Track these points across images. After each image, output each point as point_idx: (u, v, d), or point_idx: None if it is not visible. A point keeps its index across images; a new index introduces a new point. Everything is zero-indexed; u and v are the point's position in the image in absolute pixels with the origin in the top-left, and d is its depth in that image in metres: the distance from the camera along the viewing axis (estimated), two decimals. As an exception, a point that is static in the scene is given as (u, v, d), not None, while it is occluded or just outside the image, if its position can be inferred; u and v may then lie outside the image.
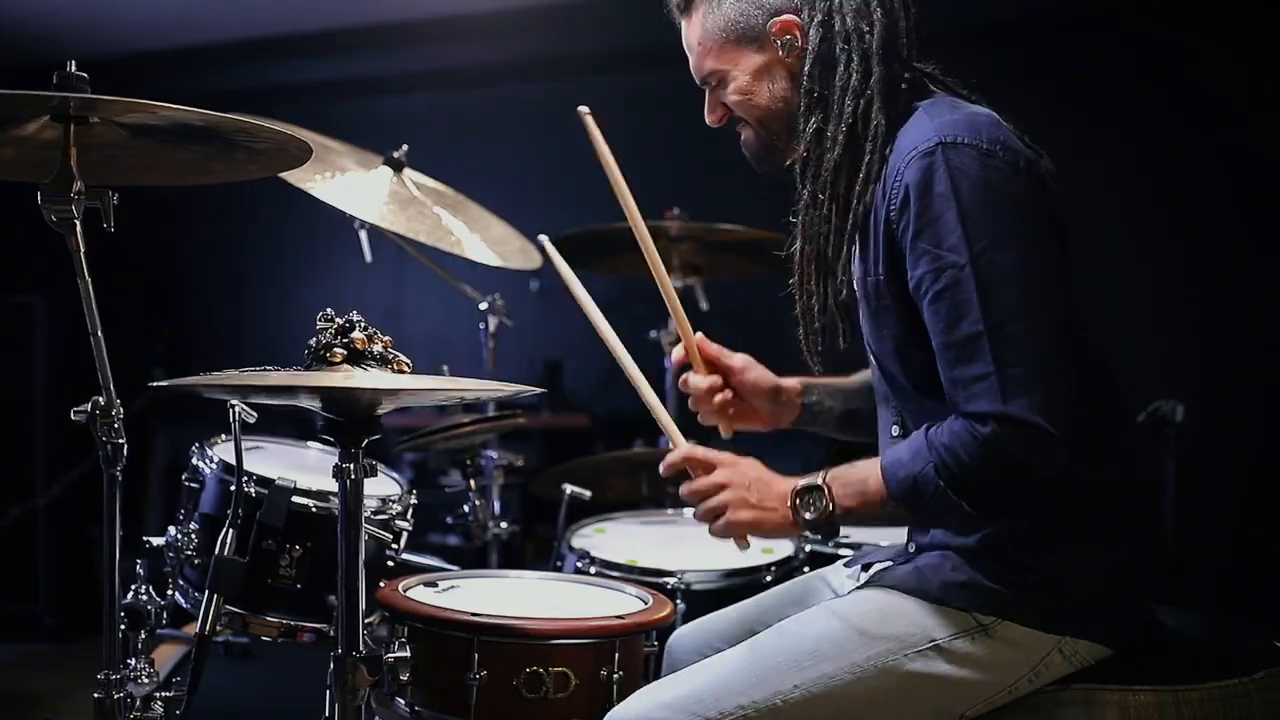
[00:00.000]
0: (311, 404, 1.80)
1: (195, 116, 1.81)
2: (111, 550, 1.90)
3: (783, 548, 2.74)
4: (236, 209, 5.67)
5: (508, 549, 3.22)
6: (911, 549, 1.90)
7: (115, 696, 1.91)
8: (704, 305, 3.64)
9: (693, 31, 1.99)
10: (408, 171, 3.08)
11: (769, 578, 2.58)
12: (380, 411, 1.79)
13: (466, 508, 2.95)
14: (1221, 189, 4.30)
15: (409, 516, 2.43)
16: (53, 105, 1.79)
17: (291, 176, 2.59)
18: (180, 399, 1.83)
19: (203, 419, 2.55)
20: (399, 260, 3.82)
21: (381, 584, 2.22)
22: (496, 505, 3.13)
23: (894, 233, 1.75)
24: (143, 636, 2.13)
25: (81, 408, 1.86)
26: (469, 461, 2.95)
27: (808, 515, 1.83)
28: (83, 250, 1.84)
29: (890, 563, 1.91)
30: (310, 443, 2.70)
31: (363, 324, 1.80)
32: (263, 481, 2.26)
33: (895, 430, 1.90)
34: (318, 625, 2.29)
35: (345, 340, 1.77)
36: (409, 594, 2.09)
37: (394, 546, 2.38)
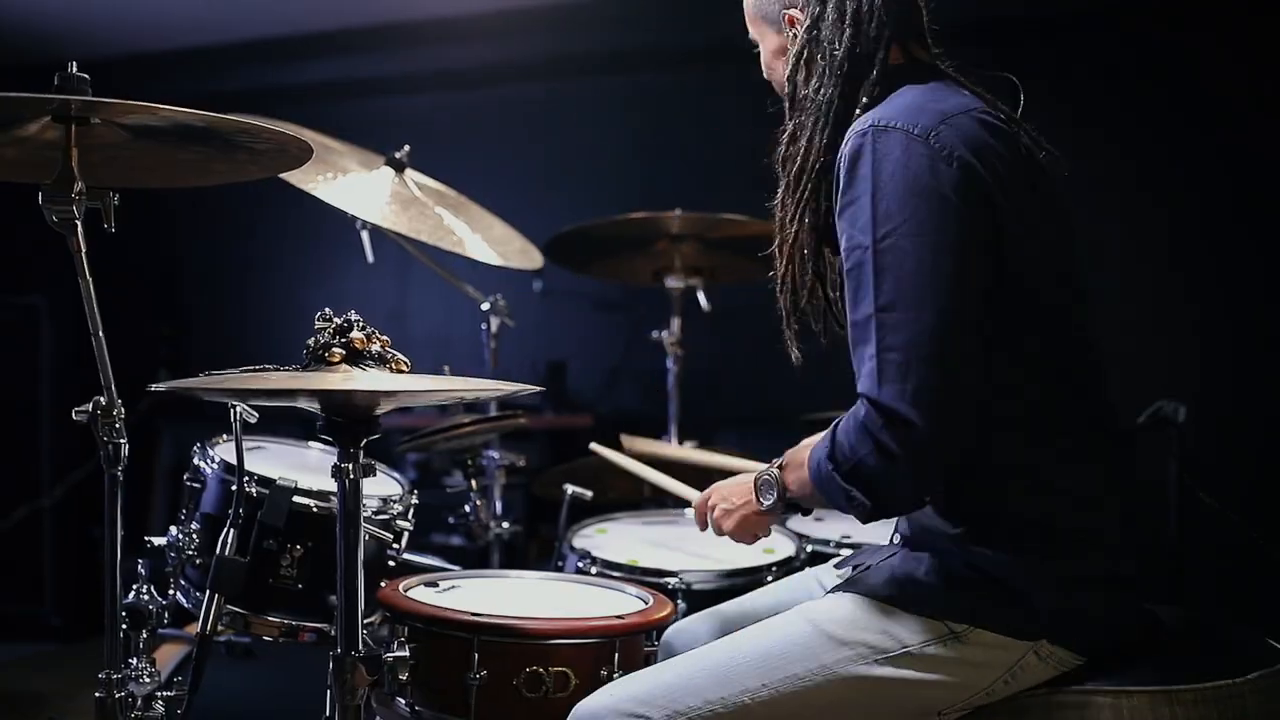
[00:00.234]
0: (310, 404, 1.80)
1: (196, 117, 1.81)
2: (113, 550, 1.91)
3: (783, 548, 2.74)
4: (242, 210, 5.68)
5: (510, 549, 3.22)
6: (896, 539, 1.91)
7: (117, 696, 1.92)
8: (705, 306, 3.64)
9: None
10: (409, 172, 3.08)
11: (770, 577, 2.58)
12: (379, 411, 1.80)
13: (468, 508, 2.95)
14: (1221, 189, 4.29)
15: (410, 516, 2.43)
16: (54, 106, 1.80)
17: (294, 177, 2.60)
18: (184, 399, 1.84)
19: (207, 419, 2.56)
20: (402, 261, 3.82)
21: (382, 584, 2.22)
22: (498, 505, 3.14)
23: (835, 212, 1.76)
24: (144, 636, 2.13)
25: (83, 408, 1.87)
26: (470, 462, 2.96)
27: (766, 502, 1.97)
28: (84, 251, 1.85)
29: (869, 565, 1.90)
30: (311, 443, 2.70)
31: (360, 323, 1.80)
32: (264, 481, 2.27)
33: None
34: (319, 625, 2.30)
35: (343, 340, 1.78)
36: (409, 594, 2.09)
37: (395, 546, 2.38)
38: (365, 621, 2.25)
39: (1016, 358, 1.72)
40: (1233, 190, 4.28)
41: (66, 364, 5.35)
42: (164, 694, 2.09)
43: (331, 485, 1.81)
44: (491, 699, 1.90)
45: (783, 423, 2.04)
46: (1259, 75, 4.19)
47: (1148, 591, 1.77)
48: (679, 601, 2.47)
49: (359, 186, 2.91)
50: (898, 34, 1.87)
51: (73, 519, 5.33)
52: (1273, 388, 4.20)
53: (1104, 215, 3.97)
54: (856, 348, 1.69)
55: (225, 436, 2.48)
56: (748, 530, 2.09)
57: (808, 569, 2.28)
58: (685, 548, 2.76)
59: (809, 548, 2.74)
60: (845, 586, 1.85)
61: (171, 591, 2.32)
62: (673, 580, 2.52)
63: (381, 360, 1.80)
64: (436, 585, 2.20)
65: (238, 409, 2.14)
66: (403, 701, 1.97)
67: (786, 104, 1.92)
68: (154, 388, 1.74)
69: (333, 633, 2.12)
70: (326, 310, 1.81)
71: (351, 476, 1.79)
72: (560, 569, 2.67)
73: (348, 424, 1.78)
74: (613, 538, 2.84)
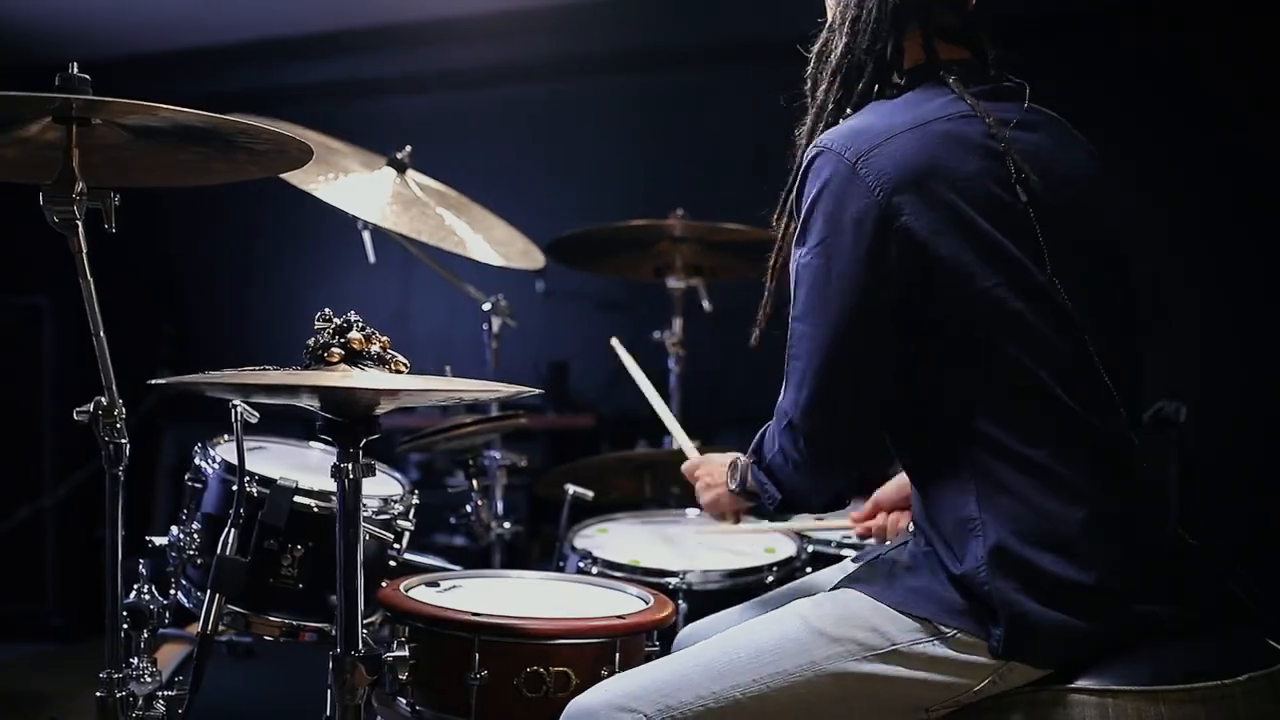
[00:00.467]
0: (310, 404, 1.81)
1: (196, 118, 1.82)
2: (114, 550, 1.92)
3: (784, 548, 2.75)
4: (244, 211, 5.68)
5: (511, 549, 3.22)
6: (906, 541, 1.91)
7: (118, 695, 1.92)
8: (707, 306, 3.65)
9: None
10: (411, 172, 3.09)
11: (770, 578, 2.58)
12: (379, 412, 1.80)
13: (469, 508, 2.96)
14: (1221, 189, 4.29)
15: (411, 516, 2.44)
16: (55, 107, 1.80)
17: (295, 178, 2.60)
18: (187, 399, 1.85)
19: (209, 420, 2.56)
20: (405, 261, 3.83)
21: (383, 584, 2.22)
22: (500, 505, 3.14)
23: None
24: (145, 636, 2.13)
25: (84, 408, 1.88)
26: (471, 462, 2.96)
27: (733, 486, 2.08)
28: (84, 251, 1.85)
29: (875, 559, 1.92)
30: (313, 443, 2.70)
31: (360, 324, 1.80)
32: (265, 481, 2.27)
33: None
34: (320, 625, 2.30)
35: (343, 340, 1.78)
36: (410, 594, 2.09)
37: (396, 546, 2.39)
38: (366, 621, 2.26)
39: (979, 372, 1.73)
40: (1233, 190, 4.28)
41: (69, 364, 5.35)
42: (165, 694, 2.09)
43: (332, 485, 1.81)
44: (492, 699, 1.90)
45: (784, 423, 2.06)
46: (1259, 75, 4.19)
47: (1143, 595, 1.74)
48: (680, 601, 2.47)
49: (360, 187, 2.91)
50: (914, 30, 1.87)
51: (75, 519, 5.34)
52: (1274, 388, 4.20)
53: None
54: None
55: (226, 436, 2.48)
56: (717, 509, 2.27)
57: (813, 571, 2.30)
58: (686, 548, 2.77)
59: (810, 548, 2.74)
60: (844, 583, 1.86)
61: (172, 591, 2.32)
62: (674, 580, 2.52)
63: (381, 361, 1.80)
64: (437, 585, 2.20)
65: (238, 408, 2.14)
66: (403, 701, 1.97)
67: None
68: (155, 383, 1.75)
69: (333, 632, 2.13)
70: (326, 311, 1.82)
71: (351, 476, 1.79)
72: (561, 569, 2.67)
73: (347, 424, 1.78)
74: (614, 538, 2.84)
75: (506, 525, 3.06)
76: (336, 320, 1.80)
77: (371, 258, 3.08)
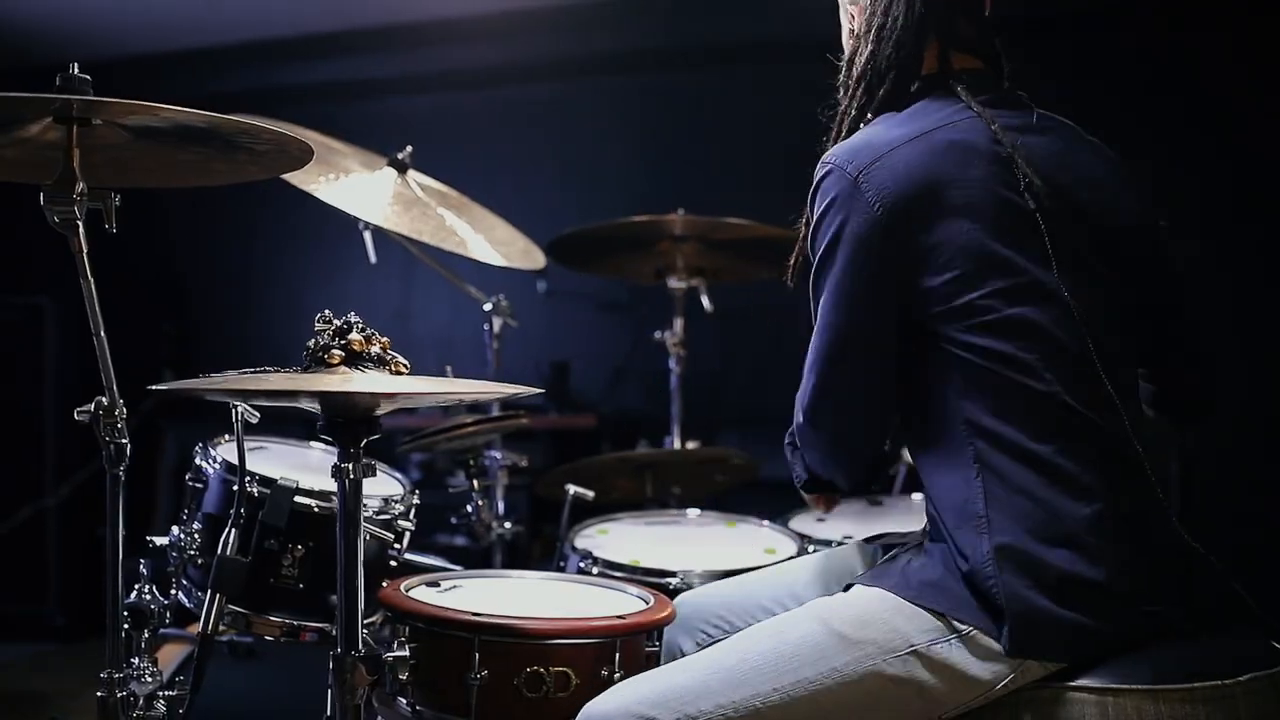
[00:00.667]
0: (310, 404, 1.81)
1: (197, 118, 1.82)
2: (115, 550, 1.92)
3: (785, 548, 2.75)
4: (245, 211, 5.69)
5: (512, 549, 3.22)
6: (923, 537, 1.92)
7: (118, 695, 1.92)
8: (708, 307, 3.65)
9: None
10: (412, 173, 3.09)
11: (771, 578, 2.58)
12: (379, 412, 1.80)
13: (470, 508, 2.96)
14: (1221, 189, 4.29)
15: (412, 516, 2.44)
16: (56, 107, 1.80)
17: (296, 178, 2.60)
18: (188, 400, 1.85)
19: (211, 420, 2.56)
20: (406, 262, 3.83)
21: (384, 584, 2.22)
22: (501, 505, 3.14)
23: None
24: (146, 636, 2.13)
25: (85, 408, 1.88)
26: (472, 462, 2.96)
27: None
28: (85, 251, 1.85)
29: (894, 551, 1.93)
30: (313, 443, 2.71)
31: (360, 325, 1.80)
32: (265, 481, 2.27)
33: None
34: (320, 625, 2.30)
35: (343, 342, 1.78)
36: (410, 594, 2.09)
37: (396, 546, 2.39)
38: (366, 621, 2.26)
39: (984, 371, 1.74)
40: (1233, 190, 4.28)
41: (71, 364, 5.35)
42: (166, 693, 2.09)
43: (333, 485, 1.81)
44: (492, 699, 1.90)
45: (785, 423, 2.04)
46: (1259, 75, 4.19)
47: (1152, 596, 1.74)
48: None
49: (361, 187, 2.91)
50: (933, 41, 1.90)
51: (77, 519, 5.34)
52: (1274, 388, 4.19)
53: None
54: None
55: (227, 437, 2.48)
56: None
57: (850, 542, 2.28)
58: (687, 548, 2.77)
59: (810, 548, 2.74)
60: (862, 580, 1.86)
61: (173, 591, 2.32)
62: (674, 580, 2.52)
63: (380, 362, 1.80)
64: (438, 585, 2.20)
65: (239, 409, 2.15)
66: (403, 701, 1.97)
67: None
68: (155, 388, 1.75)
69: (334, 632, 2.13)
70: (326, 312, 1.82)
71: (351, 477, 1.79)
72: (562, 569, 2.67)
73: (348, 424, 1.78)
74: (614, 538, 2.84)
75: (507, 525, 3.06)
76: (336, 322, 1.81)
77: (372, 258, 3.08)
